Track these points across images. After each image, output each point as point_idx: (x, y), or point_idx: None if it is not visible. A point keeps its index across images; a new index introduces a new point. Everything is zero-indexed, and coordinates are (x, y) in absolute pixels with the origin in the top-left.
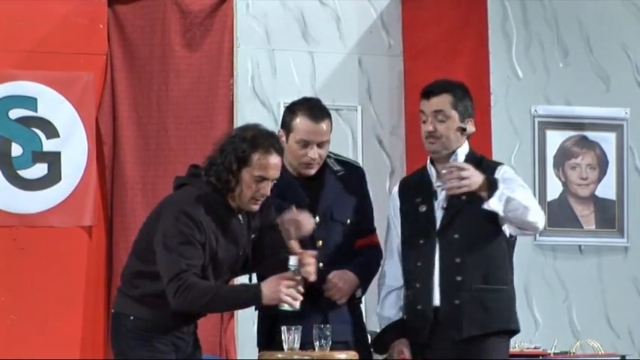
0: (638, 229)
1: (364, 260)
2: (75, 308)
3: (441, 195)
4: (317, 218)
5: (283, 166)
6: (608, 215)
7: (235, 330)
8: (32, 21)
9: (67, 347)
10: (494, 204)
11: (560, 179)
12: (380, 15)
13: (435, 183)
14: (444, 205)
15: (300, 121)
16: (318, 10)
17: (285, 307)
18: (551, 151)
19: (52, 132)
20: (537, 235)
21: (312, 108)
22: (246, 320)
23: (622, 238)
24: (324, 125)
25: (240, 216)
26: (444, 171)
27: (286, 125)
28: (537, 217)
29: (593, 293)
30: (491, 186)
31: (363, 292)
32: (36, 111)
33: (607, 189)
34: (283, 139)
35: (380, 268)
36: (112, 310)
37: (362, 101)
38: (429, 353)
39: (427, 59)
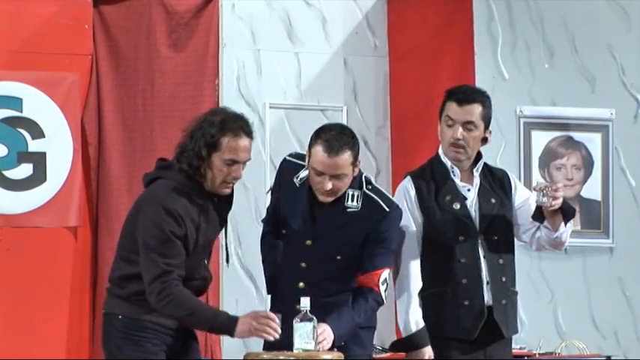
0: (623, 230)
1: (354, 310)
2: (60, 309)
3: (470, 195)
4: (307, 242)
5: (306, 179)
6: (594, 216)
7: None
8: (17, 22)
9: (52, 347)
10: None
11: (545, 180)
12: (365, 15)
13: (537, 199)
14: (477, 208)
15: (316, 150)
16: (303, 11)
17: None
18: (536, 152)
19: (37, 132)
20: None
21: (330, 140)
22: None
23: (607, 239)
24: (339, 160)
25: (215, 198)
26: (542, 187)
27: (309, 147)
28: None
29: (579, 294)
30: (567, 211)
31: (342, 342)
32: (21, 111)
33: (592, 190)
34: (307, 158)
35: (399, 269)
36: (102, 311)
37: (347, 102)
38: (481, 352)
39: (413, 60)
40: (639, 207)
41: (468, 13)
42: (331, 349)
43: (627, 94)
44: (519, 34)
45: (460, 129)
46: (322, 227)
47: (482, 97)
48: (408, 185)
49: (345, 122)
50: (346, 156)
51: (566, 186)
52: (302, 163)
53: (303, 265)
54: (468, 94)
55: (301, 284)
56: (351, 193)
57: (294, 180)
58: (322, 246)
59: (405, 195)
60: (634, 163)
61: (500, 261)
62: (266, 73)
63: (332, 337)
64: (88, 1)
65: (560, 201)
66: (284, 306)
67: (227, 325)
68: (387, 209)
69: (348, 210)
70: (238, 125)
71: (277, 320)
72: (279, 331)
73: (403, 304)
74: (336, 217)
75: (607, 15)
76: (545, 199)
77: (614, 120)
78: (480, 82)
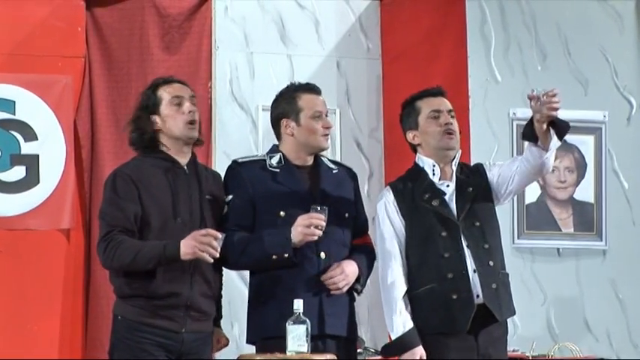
0: (616, 232)
1: (363, 256)
2: (53, 311)
3: (449, 190)
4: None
5: (283, 156)
6: (587, 218)
7: None
8: (10, 24)
9: (45, 350)
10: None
11: (538, 182)
12: (358, 18)
13: (532, 107)
14: (454, 200)
15: (306, 98)
16: (296, 13)
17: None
18: None
19: (30, 135)
20: (515, 238)
21: (309, 84)
22: (225, 324)
23: (600, 241)
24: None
25: (185, 168)
26: (537, 95)
27: (290, 111)
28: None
29: (572, 296)
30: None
31: (363, 286)
32: (14, 114)
33: (585, 192)
34: (290, 128)
35: (382, 275)
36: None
37: (340, 104)
38: (474, 339)
39: (406, 62)
40: (632, 209)
41: (460, 16)
42: (354, 288)
43: (620, 97)
44: (512, 37)
45: (447, 116)
46: (326, 190)
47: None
48: (385, 192)
49: (338, 124)
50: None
51: (559, 188)
52: (255, 157)
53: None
54: (434, 88)
55: (322, 254)
56: (324, 160)
57: (269, 169)
58: (332, 209)
59: (384, 201)
60: (627, 165)
61: (486, 246)
62: (259, 76)
63: (356, 271)
64: (81, 3)
65: (556, 112)
66: (302, 281)
67: (173, 252)
68: (350, 168)
69: (334, 172)
70: (167, 78)
71: (219, 237)
72: (219, 249)
73: (390, 308)
74: (330, 179)
75: (600, 17)
76: (542, 108)
77: (607, 122)
78: (473, 85)
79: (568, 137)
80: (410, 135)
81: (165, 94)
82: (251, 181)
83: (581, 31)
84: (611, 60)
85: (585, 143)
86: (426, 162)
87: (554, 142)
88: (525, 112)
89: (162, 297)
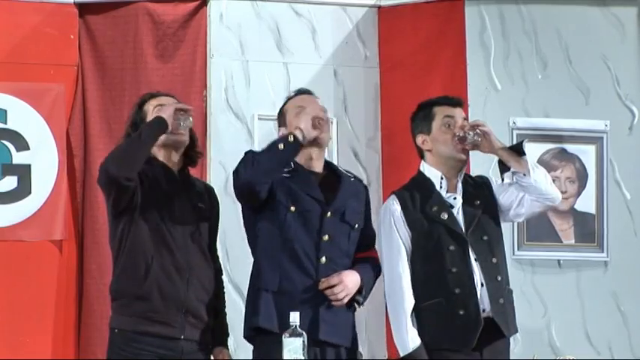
0: (617, 244)
1: (367, 267)
2: (45, 323)
3: (457, 203)
4: (328, 214)
5: (295, 164)
6: (588, 229)
7: None
8: (1, 31)
9: None
10: (528, 164)
11: None
12: (356, 26)
13: (458, 134)
14: (462, 213)
15: (293, 100)
16: (293, 21)
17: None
18: None
19: (22, 144)
20: (516, 250)
21: (299, 89)
22: None
23: (602, 253)
24: (314, 97)
25: (176, 173)
26: (465, 128)
27: (285, 116)
28: (555, 187)
29: (573, 308)
30: (514, 150)
31: (365, 299)
32: (5, 123)
33: (586, 202)
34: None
35: (389, 288)
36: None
37: (337, 113)
38: (479, 354)
39: (404, 71)
40: (634, 220)
41: (460, 24)
42: (355, 299)
43: (622, 106)
44: (512, 45)
45: (461, 125)
46: (341, 197)
47: None
48: (392, 202)
49: (335, 134)
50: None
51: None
52: None
53: (326, 237)
54: (454, 97)
55: (323, 259)
56: (340, 168)
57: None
58: (342, 216)
59: (391, 212)
60: (629, 175)
61: (494, 260)
62: (255, 84)
63: (357, 281)
64: (74, 10)
65: (489, 136)
66: (302, 283)
67: (156, 123)
68: (361, 180)
69: (352, 180)
70: (153, 92)
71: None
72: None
73: (398, 323)
74: (346, 186)
75: (601, 25)
76: (474, 137)
77: (608, 132)
78: (472, 93)
79: (569, 147)
80: (420, 139)
81: (149, 106)
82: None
83: (582, 38)
84: (613, 68)
85: (586, 153)
86: (433, 173)
87: (528, 165)
88: (525, 122)
89: (159, 299)
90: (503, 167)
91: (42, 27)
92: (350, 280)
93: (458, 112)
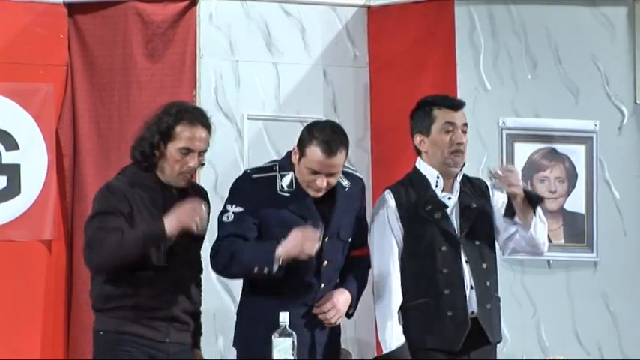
0: (607, 244)
1: (359, 275)
2: (34, 323)
3: (451, 203)
4: (326, 239)
5: (296, 181)
6: (577, 229)
7: None
8: None
9: None
10: (540, 216)
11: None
12: (345, 26)
13: (491, 182)
14: (458, 215)
15: (312, 151)
16: (282, 21)
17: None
18: (519, 164)
19: (11, 144)
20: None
21: (328, 142)
22: (209, 336)
23: (591, 253)
24: (336, 159)
25: (174, 191)
26: (498, 172)
27: (300, 146)
28: (546, 242)
29: (562, 309)
30: (531, 197)
31: (354, 309)
32: None
33: (576, 202)
34: (296, 157)
35: (378, 285)
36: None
37: (327, 113)
38: (466, 355)
39: (393, 71)
40: (624, 220)
41: (449, 24)
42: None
43: (611, 106)
44: (502, 45)
45: (460, 133)
46: (335, 218)
47: None
48: (387, 197)
49: None
50: (343, 155)
51: (549, 199)
52: (270, 174)
53: (326, 263)
54: (455, 99)
55: (322, 285)
56: (340, 174)
57: (279, 192)
58: (337, 235)
59: (385, 206)
60: (618, 175)
61: (484, 265)
62: (244, 84)
63: (348, 299)
64: (63, 10)
65: (517, 188)
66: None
67: (157, 228)
68: (360, 178)
69: (347, 190)
70: (194, 115)
71: (204, 206)
72: (204, 215)
73: (383, 320)
74: (342, 202)
75: (591, 25)
76: (499, 184)
77: (598, 132)
78: (462, 93)
79: (559, 147)
80: (417, 139)
81: (182, 137)
82: (259, 202)
83: (571, 38)
84: (603, 68)
85: (576, 153)
86: (429, 171)
87: (534, 221)
88: (515, 122)
89: (145, 309)
90: (509, 212)
91: (31, 27)
92: (341, 302)
93: (458, 117)
